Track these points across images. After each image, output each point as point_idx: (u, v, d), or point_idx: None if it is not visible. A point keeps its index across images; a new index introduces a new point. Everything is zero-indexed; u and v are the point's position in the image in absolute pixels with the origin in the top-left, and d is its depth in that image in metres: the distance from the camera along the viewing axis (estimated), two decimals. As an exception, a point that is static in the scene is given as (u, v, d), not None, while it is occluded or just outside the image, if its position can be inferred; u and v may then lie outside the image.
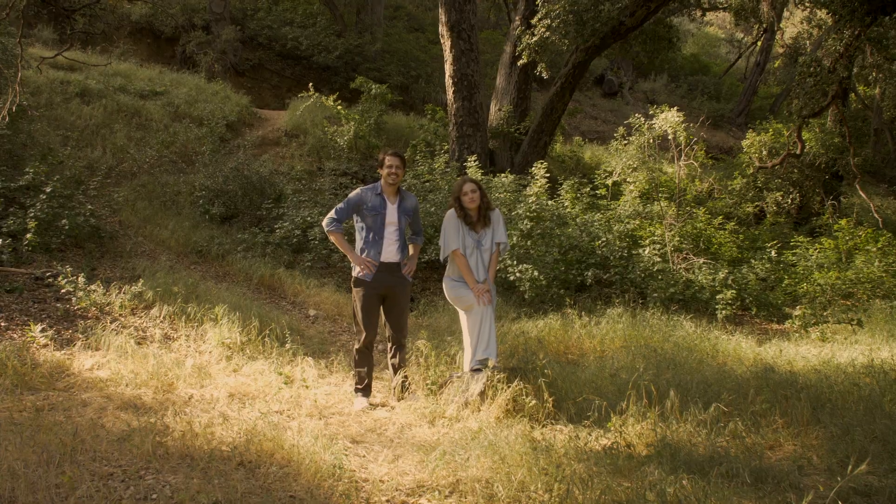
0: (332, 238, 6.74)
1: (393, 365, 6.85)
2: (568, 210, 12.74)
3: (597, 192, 14.56)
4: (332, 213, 6.65)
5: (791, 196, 16.88)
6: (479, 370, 6.40)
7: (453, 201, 6.80)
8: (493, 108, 16.41)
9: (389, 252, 6.63)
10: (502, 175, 13.16)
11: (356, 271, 6.60)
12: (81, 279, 8.46)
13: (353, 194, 6.69)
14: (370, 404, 6.61)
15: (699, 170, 14.78)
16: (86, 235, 10.38)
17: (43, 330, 7.30)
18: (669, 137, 12.85)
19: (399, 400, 6.73)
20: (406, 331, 6.95)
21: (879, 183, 22.20)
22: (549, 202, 12.51)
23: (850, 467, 4.28)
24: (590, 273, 11.18)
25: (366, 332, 6.64)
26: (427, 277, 12.10)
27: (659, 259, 11.48)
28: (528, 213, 11.61)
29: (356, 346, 6.72)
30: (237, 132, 17.09)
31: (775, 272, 12.01)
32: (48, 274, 8.87)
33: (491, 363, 6.39)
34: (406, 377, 6.82)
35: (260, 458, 4.81)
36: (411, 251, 6.92)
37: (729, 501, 4.30)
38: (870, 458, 4.67)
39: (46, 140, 13.05)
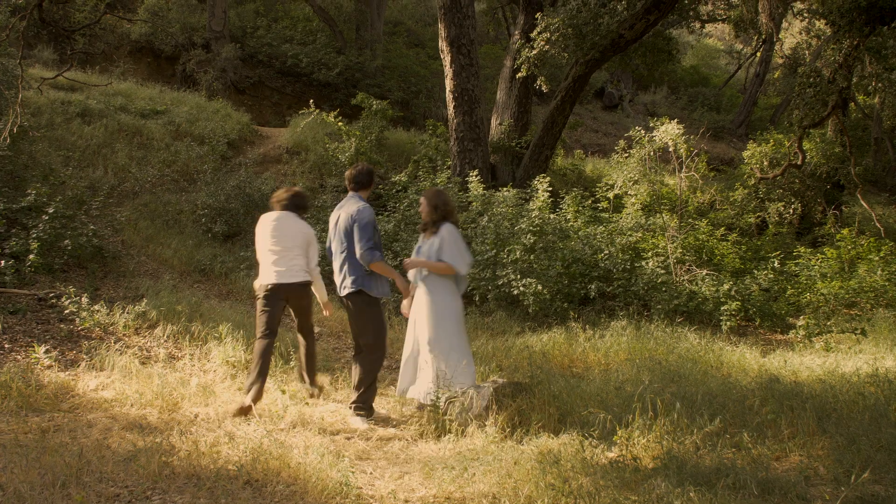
0: (378, 268, 6.36)
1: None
2: (570, 224, 12.73)
3: (599, 205, 14.57)
4: (368, 244, 6.24)
5: (793, 206, 16.89)
6: (481, 386, 6.41)
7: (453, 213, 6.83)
8: (493, 122, 16.44)
9: None
10: (504, 189, 13.15)
11: (377, 292, 6.51)
12: (85, 299, 8.46)
13: (371, 216, 6.36)
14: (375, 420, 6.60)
15: (700, 181, 14.81)
16: (88, 256, 10.40)
17: (47, 351, 7.30)
18: (670, 149, 12.88)
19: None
20: None
21: (881, 192, 22.22)
22: (552, 216, 12.50)
23: (855, 476, 4.27)
24: (593, 286, 11.19)
25: (384, 349, 6.65)
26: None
27: (662, 271, 11.48)
28: (530, 227, 11.59)
29: (376, 368, 6.62)
30: (238, 150, 17.12)
31: (778, 283, 11.99)
32: (51, 295, 8.88)
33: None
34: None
35: (266, 477, 4.80)
36: None
37: (737, 514, 4.30)
38: (874, 467, 4.66)
39: (48, 161, 13.08)
